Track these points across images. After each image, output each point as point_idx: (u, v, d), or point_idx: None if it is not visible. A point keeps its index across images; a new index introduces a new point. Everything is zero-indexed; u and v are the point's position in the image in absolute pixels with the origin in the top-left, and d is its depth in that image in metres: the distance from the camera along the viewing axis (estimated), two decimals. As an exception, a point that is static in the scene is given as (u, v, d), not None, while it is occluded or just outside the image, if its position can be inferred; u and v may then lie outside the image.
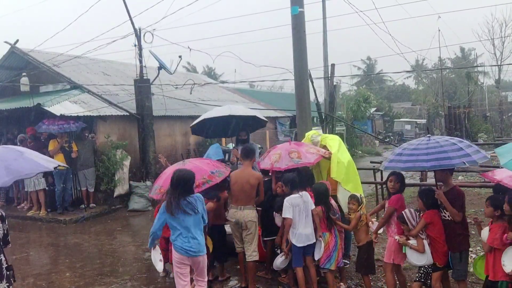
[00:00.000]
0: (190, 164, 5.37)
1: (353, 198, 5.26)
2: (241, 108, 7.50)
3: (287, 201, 5.04)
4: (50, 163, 3.87)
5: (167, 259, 6.09)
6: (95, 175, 10.93)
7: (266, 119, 7.94)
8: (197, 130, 7.86)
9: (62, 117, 10.13)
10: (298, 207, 5.02)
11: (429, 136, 4.54)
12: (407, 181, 13.14)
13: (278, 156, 5.56)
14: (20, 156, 3.54)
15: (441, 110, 33.02)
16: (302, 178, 5.36)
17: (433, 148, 4.29)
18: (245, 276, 5.61)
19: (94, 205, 10.95)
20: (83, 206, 10.83)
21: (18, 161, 3.49)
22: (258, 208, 5.71)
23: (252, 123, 7.89)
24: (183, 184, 4.38)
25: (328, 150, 5.90)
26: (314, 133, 6.62)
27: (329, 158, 5.77)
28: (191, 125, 7.57)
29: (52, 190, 10.76)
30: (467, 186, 7.20)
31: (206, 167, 5.30)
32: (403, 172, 5.00)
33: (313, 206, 5.11)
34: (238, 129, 7.72)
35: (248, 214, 5.39)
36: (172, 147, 13.66)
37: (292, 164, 5.38)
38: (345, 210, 5.61)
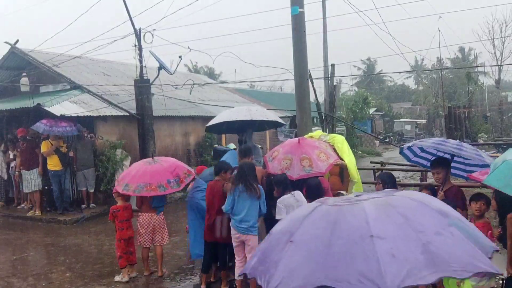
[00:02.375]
0: (157, 164, 6.04)
1: None
2: (260, 111, 7.22)
3: (280, 202, 5.03)
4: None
5: (126, 262, 6.20)
6: (95, 175, 10.91)
7: (284, 122, 7.97)
8: (211, 128, 7.86)
9: (62, 118, 10.09)
10: (291, 207, 4.99)
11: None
12: (407, 181, 13.26)
13: (289, 162, 5.46)
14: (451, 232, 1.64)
15: (441, 110, 33.03)
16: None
17: (465, 146, 4.70)
18: None
19: (95, 205, 10.93)
20: (83, 206, 10.85)
21: (443, 239, 1.64)
22: None
23: (266, 125, 7.85)
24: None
25: (337, 152, 5.93)
26: (321, 133, 6.64)
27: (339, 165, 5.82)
28: (207, 125, 7.50)
29: (51, 190, 10.77)
30: (467, 187, 7.18)
31: (168, 174, 5.84)
32: (398, 173, 5.11)
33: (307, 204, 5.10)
34: (249, 127, 7.64)
35: None
36: (172, 147, 13.66)
37: (304, 174, 5.30)
38: None
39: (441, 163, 4.66)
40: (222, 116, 7.22)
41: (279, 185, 5.17)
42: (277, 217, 5.03)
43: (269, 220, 5.71)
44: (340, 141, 6.20)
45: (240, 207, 5.07)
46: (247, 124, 7.36)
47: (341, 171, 6.07)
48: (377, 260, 1.51)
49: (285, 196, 5.05)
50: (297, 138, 6.09)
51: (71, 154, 10.49)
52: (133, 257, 6.30)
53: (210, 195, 5.52)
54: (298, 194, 5.10)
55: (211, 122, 7.33)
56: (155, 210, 6.21)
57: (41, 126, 9.90)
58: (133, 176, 5.95)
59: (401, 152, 5.43)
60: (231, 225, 5.19)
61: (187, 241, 7.71)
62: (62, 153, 10.28)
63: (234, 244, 5.21)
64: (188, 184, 6.23)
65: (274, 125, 8.05)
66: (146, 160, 6.58)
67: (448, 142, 4.76)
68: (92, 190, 10.94)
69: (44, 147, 10.14)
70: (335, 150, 6.02)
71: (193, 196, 6.08)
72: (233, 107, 9.32)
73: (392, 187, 4.92)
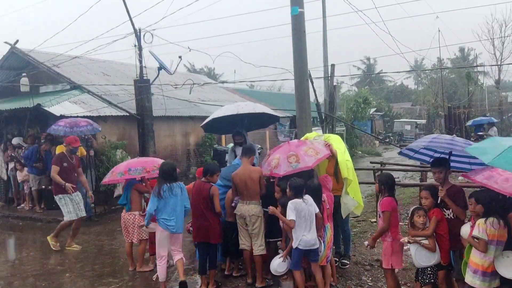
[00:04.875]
0: (141, 159, 6.93)
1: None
2: (250, 105, 7.37)
3: (292, 203, 4.98)
4: None
5: (154, 251, 6.44)
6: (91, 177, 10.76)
7: (277, 115, 8.04)
8: (208, 128, 7.93)
9: (79, 118, 9.83)
10: (302, 212, 4.96)
11: (453, 136, 4.81)
12: (407, 181, 13.27)
13: (277, 161, 5.50)
14: None
15: (441, 110, 33.04)
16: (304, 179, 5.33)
17: (456, 139, 4.65)
18: (250, 272, 5.73)
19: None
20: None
21: None
22: (265, 210, 5.75)
23: (263, 120, 7.90)
24: (171, 172, 5.59)
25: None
26: (316, 134, 6.64)
27: (332, 154, 5.83)
28: (202, 124, 7.71)
29: (50, 190, 10.75)
30: (467, 187, 7.17)
31: (156, 160, 6.60)
32: (398, 173, 5.14)
33: (317, 210, 5.06)
34: (247, 126, 7.69)
35: (252, 209, 5.55)
36: (172, 147, 13.66)
37: (291, 170, 5.31)
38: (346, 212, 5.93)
39: (441, 163, 4.67)
40: (213, 114, 7.33)
41: (293, 189, 5.08)
42: (288, 217, 4.98)
43: (270, 220, 5.68)
44: (335, 140, 6.19)
45: (165, 206, 5.47)
46: (242, 123, 7.41)
47: (336, 170, 6.05)
48: None
49: (297, 200, 5.00)
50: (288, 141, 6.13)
51: (91, 153, 10.27)
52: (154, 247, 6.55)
53: (196, 195, 5.62)
54: (310, 199, 5.07)
55: (204, 122, 7.46)
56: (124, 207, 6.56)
57: (60, 128, 9.05)
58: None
59: (400, 153, 5.45)
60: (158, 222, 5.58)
61: (186, 241, 7.74)
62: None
63: (156, 239, 5.65)
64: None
65: (269, 120, 8.08)
66: (132, 159, 7.20)
67: (441, 138, 4.76)
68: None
69: (60, 151, 8.71)
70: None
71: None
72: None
73: (390, 189, 4.94)
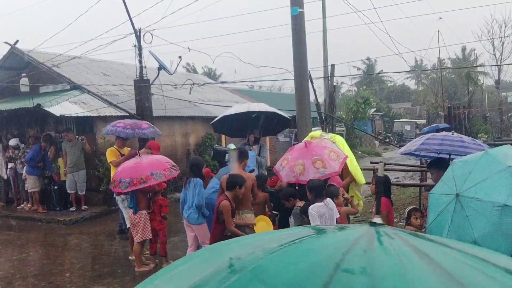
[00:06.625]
0: (142, 160, 6.30)
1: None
2: (261, 105, 7.65)
3: (313, 209, 4.63)
4: None
5: (154, 251, 6.65)
6: (86, 177, 10.63)
7: (288, 117, 8.17)
8: (219, 128, 7.99)
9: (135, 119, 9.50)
10: (324, 217, 4.63)
11: (452, 133, 4.75)
12: (407, 181, 13.29)
13: (302, 167, 5.24)
14: None
15: (441, 110, 33.03)
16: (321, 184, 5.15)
17: (450, 137, 4.63)
18: None
19: (86, 207, 10.67)
20: (73, 208, 10.63)
21: None
22: (274, 212, 5.70)
23: (275, 124, 7.99)
24: (191, 167, 5.89)
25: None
26: (321, 133, 6.65)
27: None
28: (212, 122, 7.91)
29: (49, 190, 10.76)
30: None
31: (149, 168, 6.01)
32: (398, 173, 5.10)
33: (338, 214, 4.80)
34: (258, 128, 7.77)
35: (247, 219, 5.25)
36: (172, 148, 13.65)
37: (319, 176, 5.11)
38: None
39: (434, 164, 4.69)
40: (224, 112, 7.42)
41: (312, 190, 4.82)
42: (312, 224, 4.74)
43: (281, 225, 5.48)
44: (340, 142, 6.20)
45: (184, 198, 5.83)
46: (253, 124, 7.48)
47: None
48: None
49: (317, 204, 4.67)
50: (303, 142, 5.87)
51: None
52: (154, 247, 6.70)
53: None
54: (330, 203, 4.78)
55: (216, 119, 7.56)
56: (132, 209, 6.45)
57: (119, 130, 8.22)
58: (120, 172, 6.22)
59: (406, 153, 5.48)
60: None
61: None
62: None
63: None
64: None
65: (284, 124, 8.19)
66: (134, 158, 6.68)
67: (433, 139, 4.77)
68: (83, 193, 10.65)
69: (113, 155, 8.15)
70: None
71: (211, 197, 5.81)
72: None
73: (386, 190, 4.91)
